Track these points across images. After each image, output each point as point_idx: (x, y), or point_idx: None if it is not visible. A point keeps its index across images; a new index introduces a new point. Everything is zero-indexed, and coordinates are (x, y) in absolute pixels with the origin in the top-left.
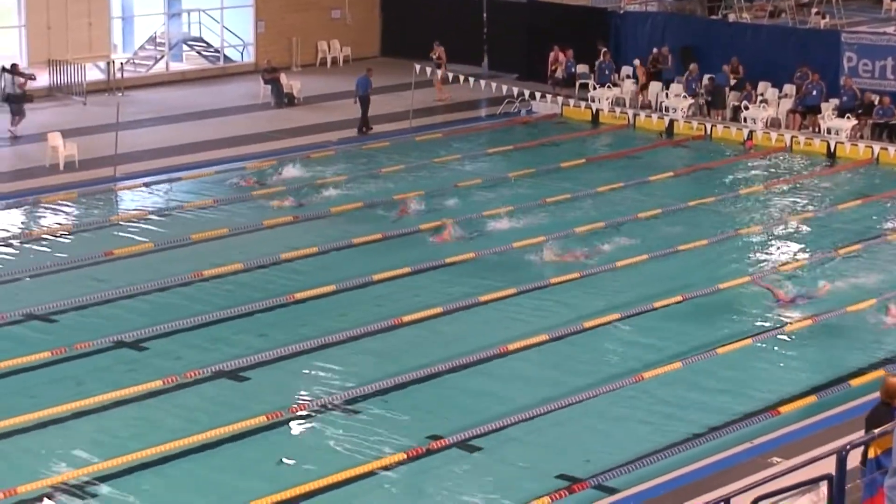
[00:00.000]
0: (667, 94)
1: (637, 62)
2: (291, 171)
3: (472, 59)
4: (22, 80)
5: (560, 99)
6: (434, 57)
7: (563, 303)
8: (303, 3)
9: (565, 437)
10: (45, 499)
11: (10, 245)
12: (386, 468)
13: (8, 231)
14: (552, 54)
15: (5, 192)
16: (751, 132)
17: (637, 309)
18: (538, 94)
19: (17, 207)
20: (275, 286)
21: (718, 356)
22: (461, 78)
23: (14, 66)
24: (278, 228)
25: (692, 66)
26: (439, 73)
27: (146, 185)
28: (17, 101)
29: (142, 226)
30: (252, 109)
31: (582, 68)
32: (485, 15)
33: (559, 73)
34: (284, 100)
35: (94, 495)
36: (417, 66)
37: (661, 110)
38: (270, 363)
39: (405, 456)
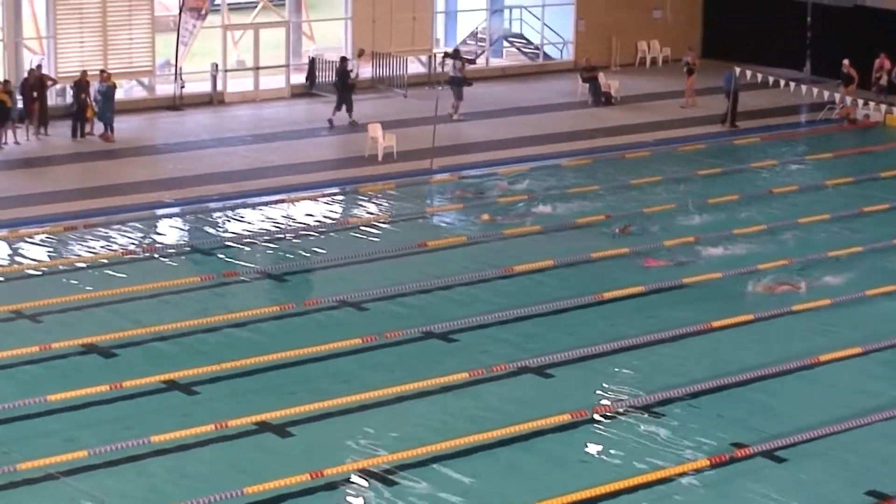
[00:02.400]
0: None
1: (846, 62)
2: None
3: (794, 63)
4: (459, 63)
5: (883, 107)
6: (689, 61)
7: (878, 314)
8: (624, 3)
9: (876, 452)
10: (348, 482)
11: (328, 233)
12: (687, 474)
13: (327, 219)
14: (877, 61)
15: (326, 181)
16: None
17: None
18: (861, 101)
19: (336, 196)
20: (584, 284)
21: None
22: (781, 82)
23: (456, 50)
24: (591, 227)
25: None
26: (690, 78)
27: (461, 178)
28: (458, 85)
29: (456, 218)
30: (569, 107)
31: None
32: (808, 18)
33: (883, 80)
34: (602, 99)
35: (395, 483)
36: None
37: None
38: (577, 361)
39: (708, 462)
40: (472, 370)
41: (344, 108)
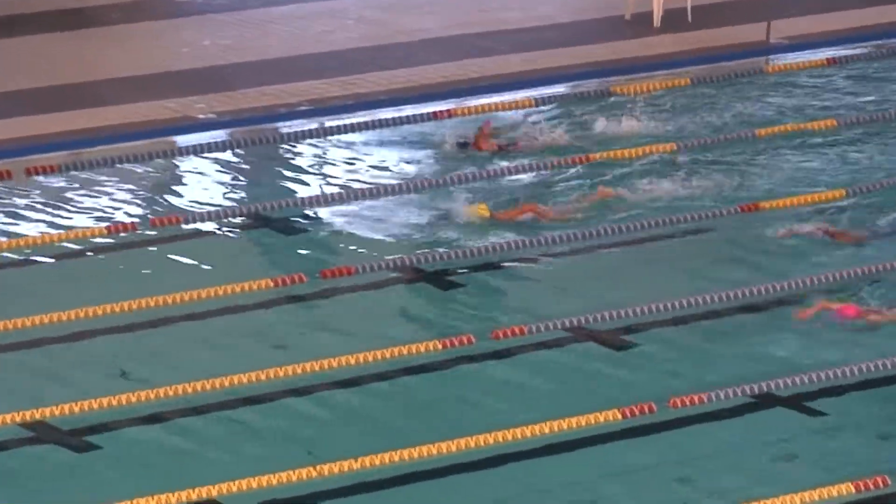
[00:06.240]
0: None
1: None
2: None
3: None
4: None
5: None
6: None
7: None
8: None
9: None
10: None
11: (535, 184)
12: None
13: (531, 158)
14: None
15: (537, 72)
16: None
17: None
18: None
19: (558, 102)
20: None
21: None
22: None
23: None
24: None
25: None
26: None
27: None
28: None
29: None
30: None
31: None
32: None
33: None
34: None
35: None
36: None
37: None
38: None
39: None
40: None
41: None
